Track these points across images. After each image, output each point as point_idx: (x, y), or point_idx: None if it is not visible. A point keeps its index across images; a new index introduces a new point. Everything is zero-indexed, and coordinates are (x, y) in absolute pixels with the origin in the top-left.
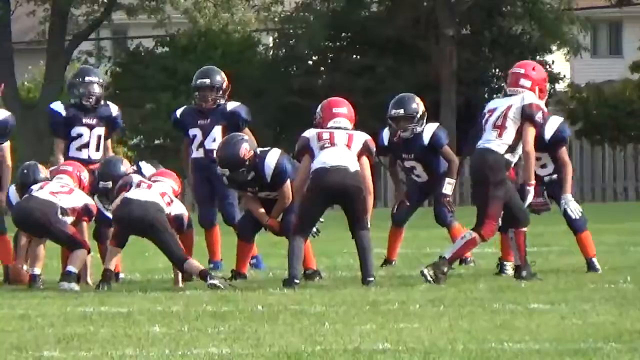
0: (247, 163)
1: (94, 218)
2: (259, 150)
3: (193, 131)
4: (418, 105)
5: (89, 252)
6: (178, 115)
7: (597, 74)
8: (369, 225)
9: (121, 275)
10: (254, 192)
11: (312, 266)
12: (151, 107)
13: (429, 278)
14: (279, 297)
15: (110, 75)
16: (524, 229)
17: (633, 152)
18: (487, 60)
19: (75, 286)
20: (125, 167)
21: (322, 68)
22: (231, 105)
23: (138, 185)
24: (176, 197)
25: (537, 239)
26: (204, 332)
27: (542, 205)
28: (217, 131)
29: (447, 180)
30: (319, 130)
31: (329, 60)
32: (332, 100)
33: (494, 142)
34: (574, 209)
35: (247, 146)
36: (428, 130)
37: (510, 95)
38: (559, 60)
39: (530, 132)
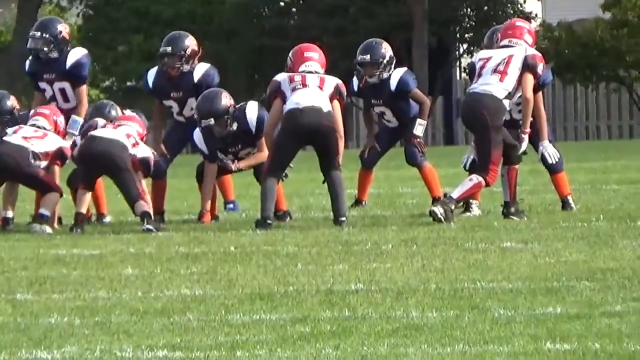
0: (230, 111)
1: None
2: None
3: (168, 102)
4: (385, 51)
5: (61, 196)
6: (151, 86)
7: (569, 12)
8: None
9: (106, 219)
10: (235, 153)
11: (283, 207)
12: (123, 49)
13: (439, 216)
14: (251, 238)
15: (83, 17)
16: (516, 166)
17: (605, 91)
18: (459, 0)
19: (47, 229)
20: (116, 111)
21: (293, 9)
22: (198, 73)
23: (104, 127)
24: (142, 140)
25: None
26: (177, 274)
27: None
28: (191, 101)
29: (419, 121)
30: (290, 73)
31: (301, 1)
32: (304, 46)
33: (495, 86)
34: (552, 154)
35: (227, 96)
36: (395, 75)
37: (509, 46)
38: None
39: (530, 80)
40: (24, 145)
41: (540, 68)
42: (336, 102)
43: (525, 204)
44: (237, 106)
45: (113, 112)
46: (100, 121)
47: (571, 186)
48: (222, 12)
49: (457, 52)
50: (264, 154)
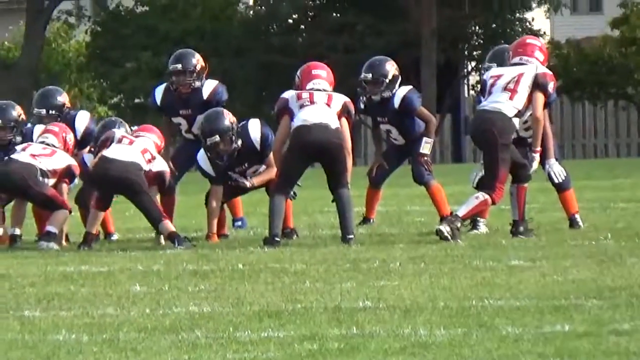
0: (233, 127)
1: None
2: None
3: (177, 120)
4: (389, 69)
5: (70, 213)
6: (158, 103)
7: (577, 30)
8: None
9: (114, 237)
10: (242, 172)
11: (290, 225)
12: (132, 66)
13: (445, 234)
14: (259, 255)
15: (91, 34)
16: (526, 185)
17: (613, 108)
18: (467, 18)
19: (54, 245)
20: (125, 128)
21: (302, 26)
22: (207, 90)
23: (120, 141)
24: (159, 152)
25: None
26: (185, 291)
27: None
28: (200, 118)
29: (425, 139)
30: (298, 91)
31: (309, 19)
32: (312, 64)
33: (505, 104)
34: (558, 173)
35: (228, 114)
36: (399, 94)
37: (520, 64)
38: (539, 17)
39: (540, 99)
40: (32, 162)
41: (550, 87)
42: (344, 120)
43: (533, 222)
44: (239, 124)
45: (122, 129)
46: (118, 132)
47: (579, 204)
48: (230, 29)
49: (465, 70)
50: (275, 169)
